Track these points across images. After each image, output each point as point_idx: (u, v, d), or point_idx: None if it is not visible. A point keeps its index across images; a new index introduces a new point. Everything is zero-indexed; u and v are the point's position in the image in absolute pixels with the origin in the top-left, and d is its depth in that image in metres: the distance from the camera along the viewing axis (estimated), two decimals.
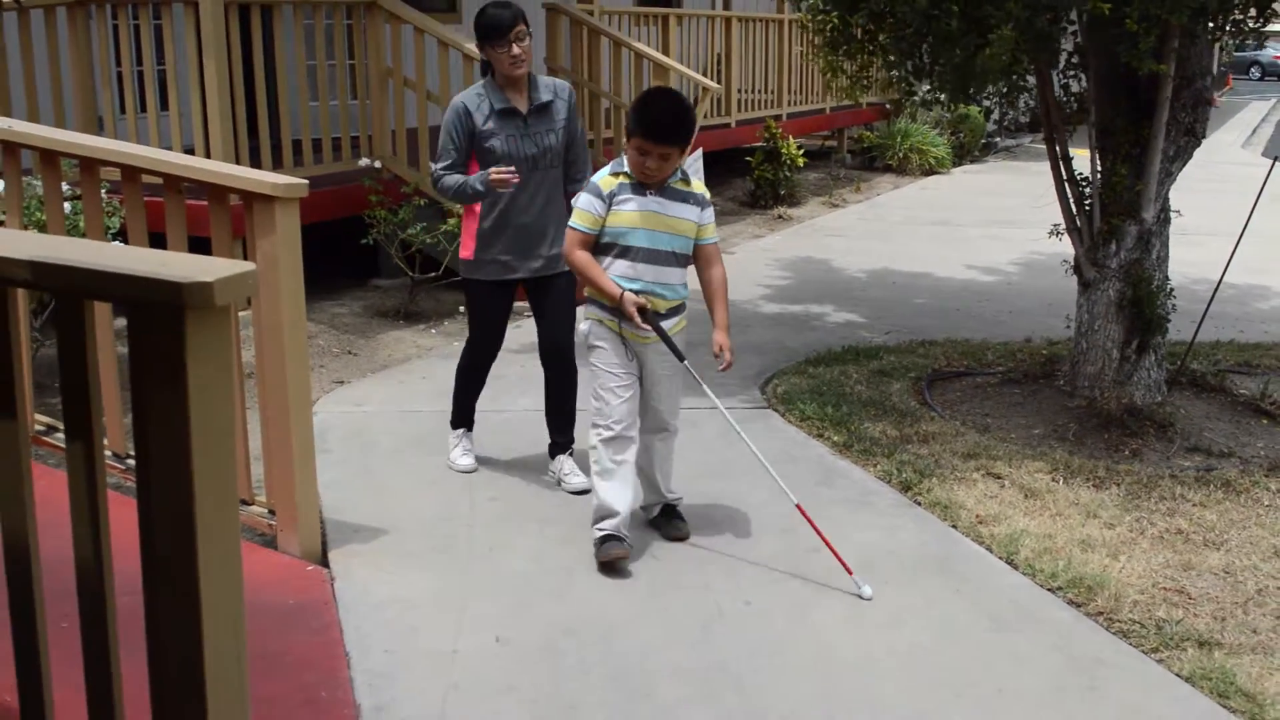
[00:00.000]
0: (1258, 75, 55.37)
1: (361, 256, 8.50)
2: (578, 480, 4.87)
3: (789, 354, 7.11)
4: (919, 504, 4.73)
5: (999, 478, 4.96)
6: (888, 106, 16.36)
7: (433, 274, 7.94)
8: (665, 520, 4.49)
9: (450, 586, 3.96)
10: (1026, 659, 3.56)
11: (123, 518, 2.29)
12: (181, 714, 2.03)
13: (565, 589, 3.97)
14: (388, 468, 5.09)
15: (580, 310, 4.42)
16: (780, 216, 12.47)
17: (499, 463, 5.16)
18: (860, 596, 3.90)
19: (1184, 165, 5.93)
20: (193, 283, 1.87)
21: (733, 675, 3.40)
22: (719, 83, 11.99)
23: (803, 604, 3.91)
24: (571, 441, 5.02)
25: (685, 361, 4.23)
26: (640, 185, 4.16)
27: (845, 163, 16.28)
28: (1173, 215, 6.08)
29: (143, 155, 4.08)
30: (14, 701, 2.35)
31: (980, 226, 12.15)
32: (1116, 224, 5.80)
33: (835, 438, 5.48)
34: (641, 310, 4.09)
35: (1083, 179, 6.01)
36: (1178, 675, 3.48)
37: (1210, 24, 5.30)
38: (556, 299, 4.96)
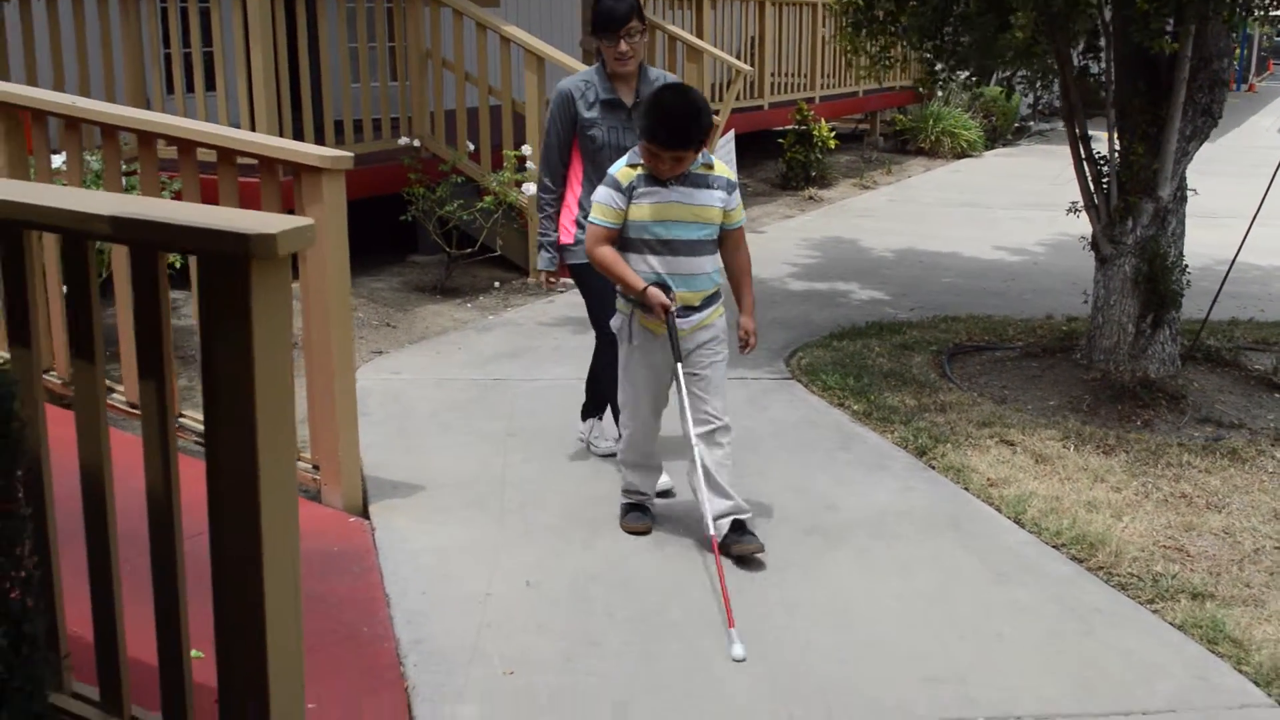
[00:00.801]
0: None
1: (400, 233, 8.74)
2: (605, 445, 5.02)
3: (814, 329, 7.31)
4: (933, 467, 4.92)
5: (1011, 444, 5.15)
6: (920, 90, 16.46)
7: (469, 249, 8.18)
8: (736, 536, 4.08)
9: (484, 538, 4.20)
10: (1027, 608, 3.77)
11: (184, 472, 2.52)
12: (244, 636, 2.27)
13: (592, 541, 4.20)
14: (425, 430, 5.33)
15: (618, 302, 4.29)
16: (811, 198, 12.64)
17: (532, 428, 5.39)
18: (732, 658, 3.42)
19: (1200, 144, 6.08)
20: (259, 234, 2.11)
21: (749, 620, 3.62)
22: (752, 65, 12.14)
23: (816, 555, 4.13)
24: (603, 408, 5.08)
25: (679, 364, 4.09)
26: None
27: (877, 145, 16.41)
28: (1191, 195, 6.24)
29: (198, 129, 4.33)
30: (88, 634, 2.60)
31: (1009, 208, 12.29)
32: (1133, 201, 5.97)
33: (855, 406, 5.68)
34: (664, 308, 4.00)
35: (1101, 158, 6.16)
36: (1170, 624, 3.68)
37: (1221, 7, 5.44)
38: None
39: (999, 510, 4.53)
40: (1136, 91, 5.93)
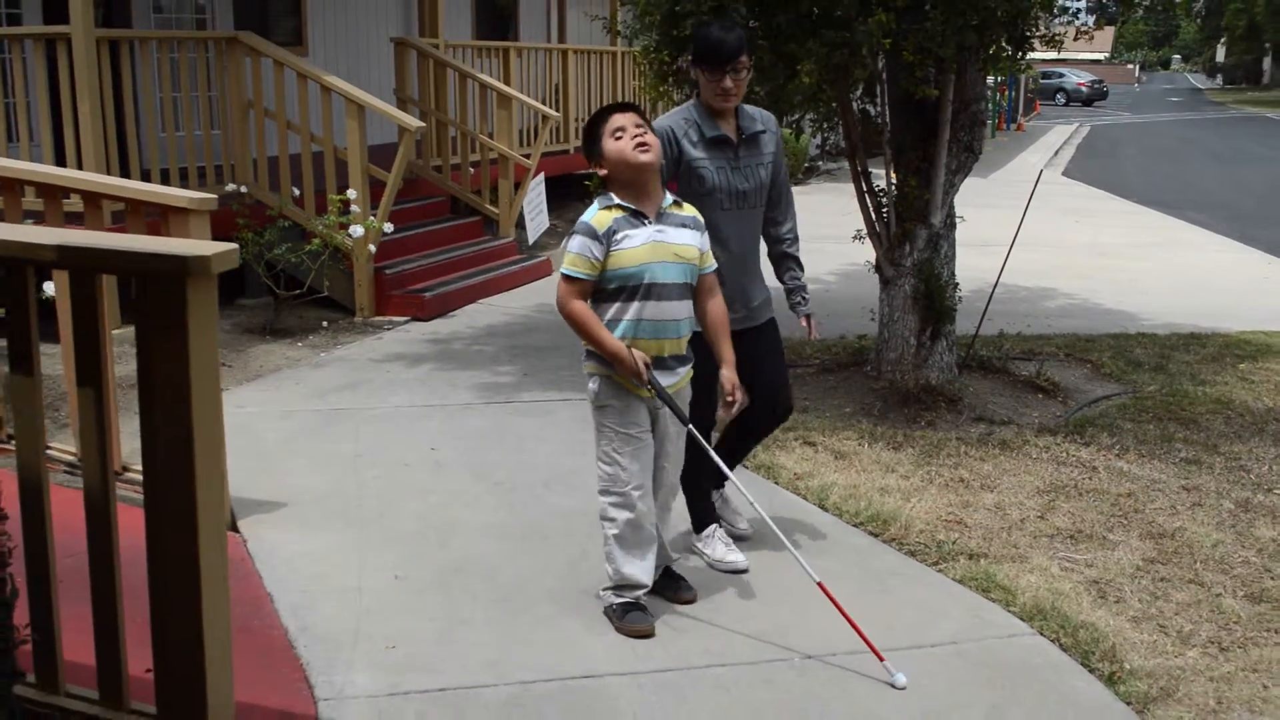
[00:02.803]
0: (1063, 101, 58.75)
1: (226, 277, 8.95)
2: (735, 558, 4.47)
3: None
4: (745, 467, 5.52)
5: (814, 444, 5.80)
6: None
7: (297, 291, 8.50)
8: (668, 582, 4.14)
9: (349, 543, 4.60)
10: (834, 574, 4.34)
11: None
12: (181, 616, 2.66)
13: (449, 540, 4.65)
14: (278, 456, 5.67)
15: (582, 362, 3.96)
16: None
17: (377, 450, 5.78)
18: (893, 685, 3.55)
19: (965, 177, 6.90)
20: (195, 255, 2.54)
21: (595, 595, 4.12)
22: (558, 111, 12.74)
23: None
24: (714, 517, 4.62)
25: (689, 425, 3.94)
26: (638, 214, 3.77)
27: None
28: (964, 223, 7.05)
29: (63, 175, 4.64)
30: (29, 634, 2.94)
31: (803, 241, 13.12)
32: (909, 228, 6.73)
33: None
34: (642, 372, 3.72)
35: (880, 191, 6.92)
36: (952, 579, 4.34)
37: (975, 58, 6.26)
38: (770, 344, 4.50)
39: (805, 498, 5.15)
40: (909, 131, 6.71)
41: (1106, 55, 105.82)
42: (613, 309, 3.79)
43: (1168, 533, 4.87)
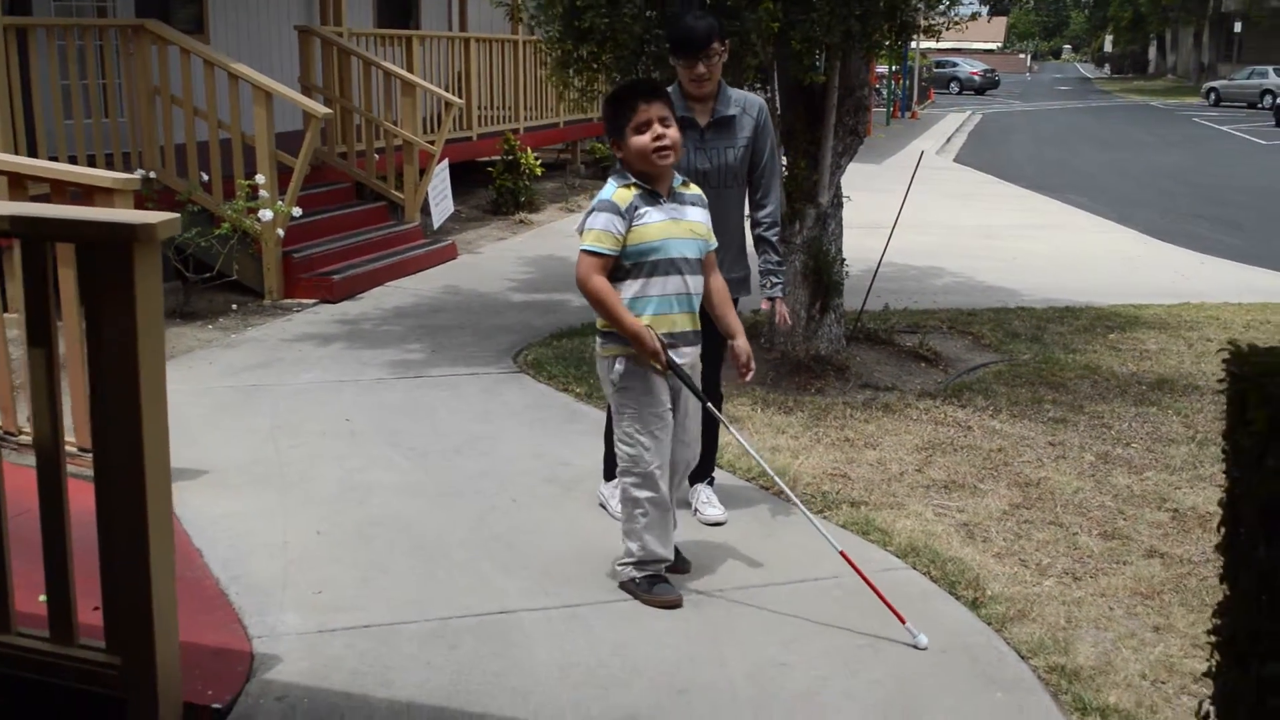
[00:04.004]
0: (956, 90, 60.04)
1: None
2: (713, 512, 4.80)
3: (536, 332, 8.18)
4: None
5: None
6: None
7: (207, 275, 8.66)
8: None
9: (272, 504, 4.86)
10: (728, 521, 4.73)
11: None
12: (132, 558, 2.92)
13: (368, 499, 4.94)
14: (198, 429, 5.89)
15: (598, 344, 4.04)
16: (521, 221, 13.57)
17: (294, 423, 6.03)
18: (915, 646, 3.76)
19: (850, 159, 7.31)
20: (142, 223, 2.81)
21: (505, 543, 4.47)
22: (461, 99, 12.97)
23: (556, 498, 4.99)
24: (711, 470, 4.96)
25: (708, 403, 4.12)
26: (653, 194, 3.89)
27: (580, 173, 17.52)
28: (854, 204, 7.46)
29: None
30: None
31: None
32: (799, 208, 7.12)
33: (578, 390, 6.59)
34: (659, 352, 3.83)
35: None
36: (836, 524, 4.73)
37: (857, 46, 6.66)
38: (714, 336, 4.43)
39: None
40: (798, 116, 7.10)
41: (999, 45, 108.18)
42: (635, 286, 3.86)
43: (1033, 482, 5.32)
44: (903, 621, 3.81)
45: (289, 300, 9.18)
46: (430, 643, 3.68)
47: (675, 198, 3.96)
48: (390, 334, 8.09)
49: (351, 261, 9.81)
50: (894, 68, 33.09)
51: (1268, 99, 43.16)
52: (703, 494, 4.87)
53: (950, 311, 8.96)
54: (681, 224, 3.92)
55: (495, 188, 13.88)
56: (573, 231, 12.14)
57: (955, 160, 24.22)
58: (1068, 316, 8.92)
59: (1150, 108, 47.26)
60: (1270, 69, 46.05)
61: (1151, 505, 5.09)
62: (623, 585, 4.09)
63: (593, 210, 3.87)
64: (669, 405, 3.96)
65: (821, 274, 7.11)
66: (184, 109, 8.97)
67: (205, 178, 8.95)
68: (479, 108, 13.84)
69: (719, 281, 4.16)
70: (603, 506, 4.87)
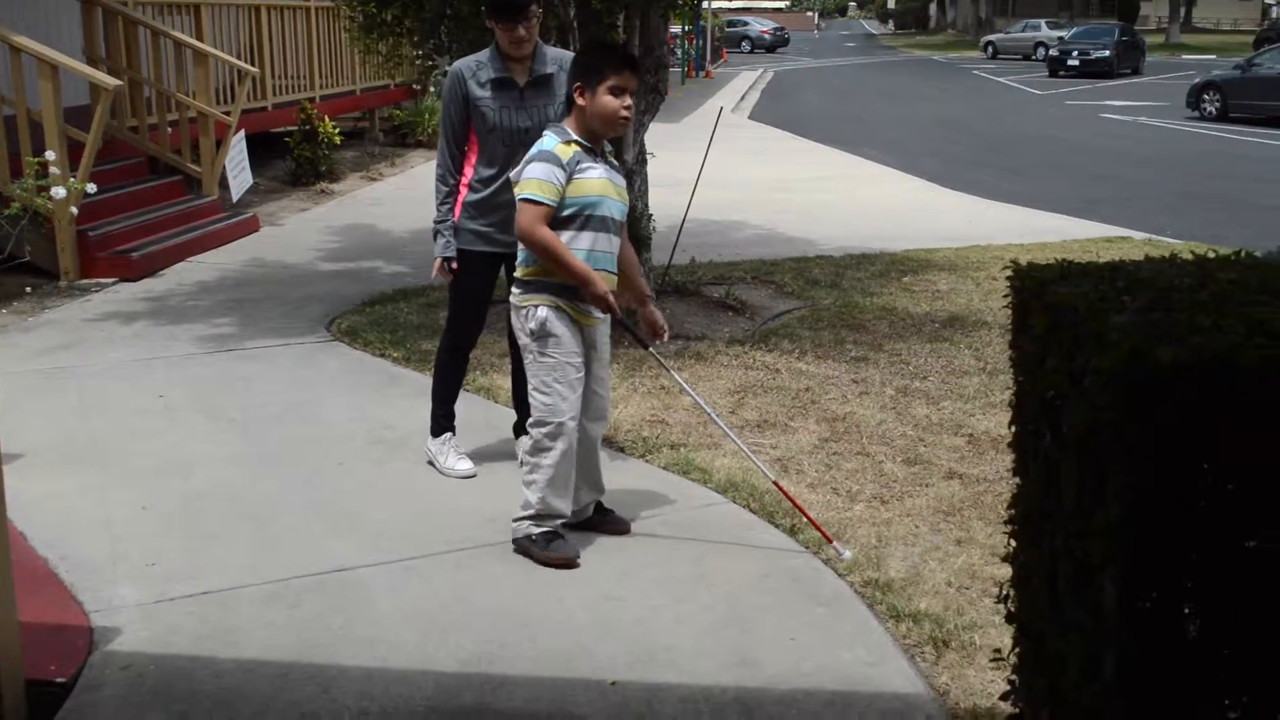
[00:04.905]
0: (748, 49, 61.02)
1: None
2: (465, 467, 4.93)
3: (348, 300, 8.14)
4: (466, 390, 5.94)
5: None
6: (415, 86, 17.51)
7: None
8: (602, 517, 4.34)
9: (91, 483, 4.80)
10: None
11: None
12: None
13: (191, 473, 4.91)
14: (4, 414, 5.68)
15: (517, 294, 4.08)
16: (323, 191, 13.38)
17: (104, 402, 5.91)
18: (840, 559, 4.03)
19: (653, 117, 7.49)
20: None
21: (336, 505, 4.53)
22: (255, 67, 12.69)
23: (382, 459, 5.06)
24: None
25: (650, 348, 4.33)
26: (591, 151, 3.98)
27: (379, 140, 17.32)
28: (657, 161, 7.65)
29: None
30: None
31: None
32: None
33: (395, 354, 6.63)
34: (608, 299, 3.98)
35: None
36: (658, 466, 4.94)
37: (656, 6, 6.84)
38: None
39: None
40: None
41: (788, 4, 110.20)
42: (567, 236, 3.91)
43: (840, 417, 5.61)
44: (829, 540, 4.09)
45: (87, 280, 8.91)
46: (271, 604, 3.73)
47: (607, 160, 4.06)
48: (197, 309, 7.95)
49: (150, 238, 9.56)
50: (687, 27, 33.53)
51: (1041, 51, 45.32)
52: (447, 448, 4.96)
53: (754, 262, 9.27)
54: (614, 186, 4.02)
55: (294, 158, 13.63)
56: (374, 200, 12.05)
57: (750, 118, 24.72)
58: (864, 263, 9.33)
59: (933, 62, 48.99)
60: (1043, 22, 48.40)
61: (949, 432, 5.44)
62: (517, 544, 4.10)
63: (531, 160, 3.92)
64: (584, 357, 4.07)
65: (629, 228, 7.26)
66: None
67: None
68: (274, 77, 13.56)
69: (628, 248, 4.25)
70: (431, 464, 4.95)
